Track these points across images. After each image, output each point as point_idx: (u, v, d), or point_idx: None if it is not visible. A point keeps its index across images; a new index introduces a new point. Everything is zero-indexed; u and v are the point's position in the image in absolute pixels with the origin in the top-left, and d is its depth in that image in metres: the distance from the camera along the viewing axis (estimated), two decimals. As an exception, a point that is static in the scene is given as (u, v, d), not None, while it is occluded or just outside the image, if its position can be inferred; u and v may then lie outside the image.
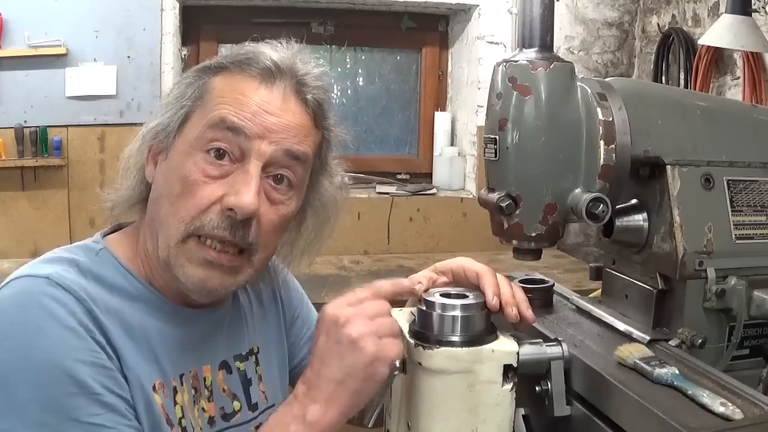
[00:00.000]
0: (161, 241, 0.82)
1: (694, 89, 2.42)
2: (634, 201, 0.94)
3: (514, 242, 0.89)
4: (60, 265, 0.80)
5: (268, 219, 0.84)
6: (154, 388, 0.81)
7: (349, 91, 3.22)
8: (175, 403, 0.83)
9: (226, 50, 2.87)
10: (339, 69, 3.16)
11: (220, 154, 0.81)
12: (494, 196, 0.86)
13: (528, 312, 0.81)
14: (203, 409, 0.88)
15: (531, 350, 0.77)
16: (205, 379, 0.89)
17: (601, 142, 0.85)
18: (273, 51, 0.86)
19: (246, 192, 0.80)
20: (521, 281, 1.01)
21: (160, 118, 0.87)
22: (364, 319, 0.74)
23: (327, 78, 0.90)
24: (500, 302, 0.80)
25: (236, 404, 0.93)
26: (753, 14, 2.07)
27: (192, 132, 0.83)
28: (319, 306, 1.18)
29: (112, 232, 0.92)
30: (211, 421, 0.89)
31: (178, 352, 0.86)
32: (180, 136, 0.84)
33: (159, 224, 0.83)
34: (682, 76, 2.60)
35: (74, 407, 0.71)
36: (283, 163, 0.84)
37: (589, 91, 0.86)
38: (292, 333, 1.10)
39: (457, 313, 0.76)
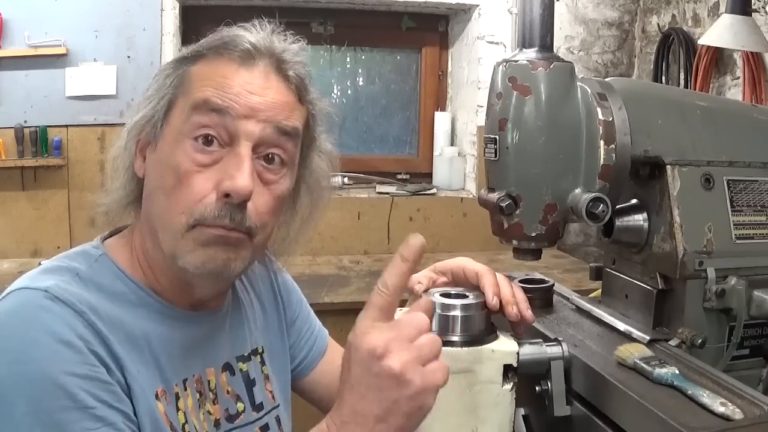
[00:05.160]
0: (164, 236, 0.81)
1: (694, 89, 2.42)
2: (634, 201, 0.94)
3: (514, 242, 0.89)
4: (60, 276, 0.79)
5: (263, 200, 0.82)
6: (156, 395, 0.80)
7: (349, 91, 3.22)
8: (178, 409, 0.83)
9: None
10: (339, 69, 3.16)
11: (208, 140, 0.80)
12: (494, 196, 0.86)
13: (528, 312, 0.81)
14: (209, 412, 0.88)
15: (531, 350, 0.78)
16: (209, 382, 0.89)
17: (601, 142, 0.85)
18: (249, 33, 0.86)
19: (240, 175, 0.78)
20: (521, 281, 1.01)
21: (142, 112, 0.85)
22: (404, 343, 0.65)
23: (305, 53, 0.89)
24: (500, 302, 0.79)
25: (240, 405, 0.93)
26: (753, 14, 2.07)
27: (177, 119, 0.82)
28: (318, 306, 1.19)
29: (112, 235, 0.91)
30: (216, 423, 0.88)
31: (181, 357, 0.85)
32: (166, 126, 0.83)
33: (157, 219, 0.82)
34: (682, 76, 2.60)
35: (68, 421, 0.70)
36: (273, 142, 0.82)
37: (589, 91, 0.86)
38: (292, 332, 1.10)
39: (457, 313, 0.76)
